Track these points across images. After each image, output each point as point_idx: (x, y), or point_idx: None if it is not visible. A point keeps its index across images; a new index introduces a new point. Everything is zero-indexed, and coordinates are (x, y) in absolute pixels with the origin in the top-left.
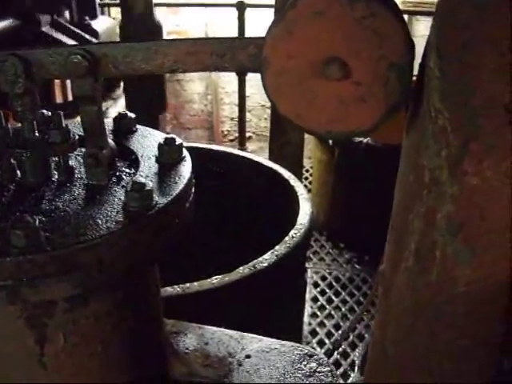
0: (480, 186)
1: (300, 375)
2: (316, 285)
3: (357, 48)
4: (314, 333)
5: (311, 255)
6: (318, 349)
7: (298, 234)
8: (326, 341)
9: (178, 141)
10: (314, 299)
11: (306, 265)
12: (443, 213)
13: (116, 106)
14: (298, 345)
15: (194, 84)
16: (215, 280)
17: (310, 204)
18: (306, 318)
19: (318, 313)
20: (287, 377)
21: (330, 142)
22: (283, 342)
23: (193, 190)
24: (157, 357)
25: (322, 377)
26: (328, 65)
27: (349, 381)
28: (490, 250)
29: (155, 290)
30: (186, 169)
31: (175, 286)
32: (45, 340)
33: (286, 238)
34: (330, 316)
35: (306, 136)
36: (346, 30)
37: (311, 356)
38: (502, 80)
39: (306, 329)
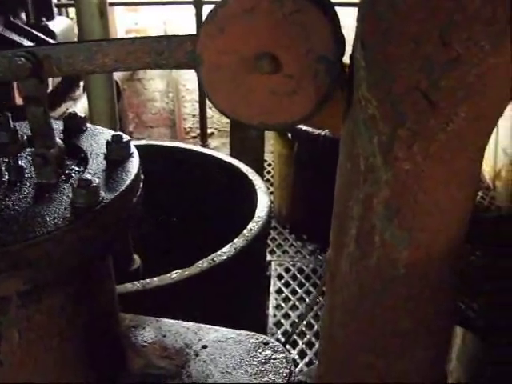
0: (412, 171)
1: (255, 362)
2: (280, 277)
3: (286, 42)
4: (279, 324)
5: (275, 248)
6: (283, 339)
7: (256, 227)
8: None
9: (126, 138)
10: (279, 291)
11: (270, 258)
12: (379, 198)
13: (76, 107)
14: (254, 333)
15: (155, 82)
16: (175, 275)
17: (268, 197)
18: (270, 310)
19: (283, 304)
20: (243, 364)
21: (289, 135)
22: (239, 332)
23: (141, 186)
24: (114, 350)
25: (277, 363)
26: (259, 59)
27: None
28: (425, 232)
29: (109, 285)
30: (133, 165)
31: (135, 282)
32: (0, 337)
33: (245, 231)
34: (294, 307)
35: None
36: (275, 26)
37: (266, 344)
38: (418, 68)
39: (271, 320)
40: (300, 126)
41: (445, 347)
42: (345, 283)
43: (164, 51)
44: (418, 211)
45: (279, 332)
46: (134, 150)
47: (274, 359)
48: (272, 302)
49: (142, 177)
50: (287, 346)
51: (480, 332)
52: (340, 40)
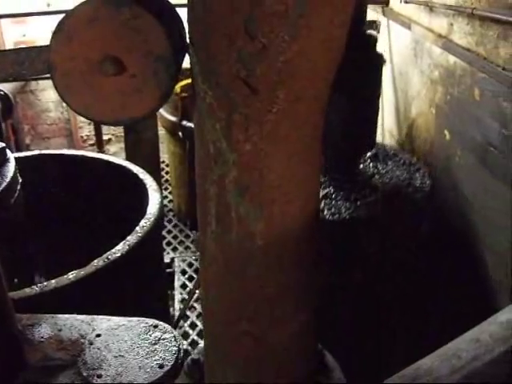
0: (253, 151)
1: (146, 344)
2: (184, 272)
3: (127, 46)
4: (185, 317)
5: (177, 245)
6: (191, 331)
7: (148, 223)
8: (198, 323)
9: (0, 145)
10: (183, 286)
11: (173, 254)
12: (230, 178)
13: None
14: (144, 319)
15: (48, 92)
16: (71, 275)
17: (159, 194)
18: (176, 305)
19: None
20: (135, 347)
21: (181, 134)
22: (130, 319)
23: (18, 187)
24: (11, 348)
25: (167, 343)
26: (104, 63)
27: None
28: (276, 204)
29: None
30: (9, 169)
31: (33, 286)
32: None
33: (137, 228)
34: (199, 300)
35: (160, 132)
36: (116, 32)
37: (156, 326)
38: (235, 60)
39: (177, 314)
40: (189, 125)
41: (317, 315)
42: (212, 259)
43: (25, 62)
44: (266, 186)
45: (186, 324)
46: (10, 155)
47: (164, 339)
48: (177, 297)
49: (20, 180)
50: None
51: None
52: (176, 41)
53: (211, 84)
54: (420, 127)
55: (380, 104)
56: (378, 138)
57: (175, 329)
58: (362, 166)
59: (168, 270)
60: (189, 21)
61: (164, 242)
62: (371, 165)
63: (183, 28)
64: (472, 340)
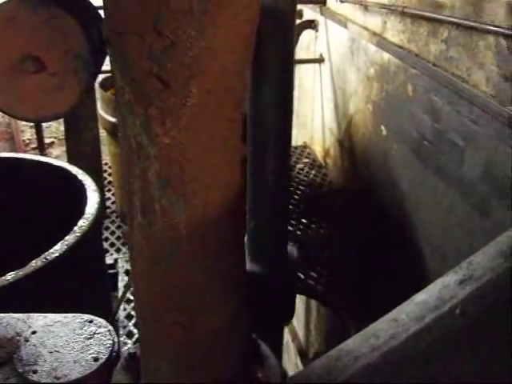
0: (172, 144)
1: (81, 339)
2: (127, 272)
3: (46, 45)
4: (129, 316)
5: (120, 246)
6: (136, 330)
7: (87, 223)
8: None
9: None
10: (128, 286)
11: (117, 255)
12: (152, 171)
13: None
14: (80, 314)
15: None
16: (10, 276)
17: (98, 194)
18: (121, 305)
19: (132, 297)
20: (70, 342)
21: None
22: (66, 315)
23: None
24: None
25: (101, 337)
26: (24, 61)
27: None
28: (197, 195)
29: None
30: None
31: None
32: None
33: (75, 228)
34: None
35: (101, 134)
36: (35, 31)
37: (91, 321)
38: (147, 56)
39: (122, 314)
40: None
41: (247, 303)
42: (140, 251)
43: None
44: (187, 178)
45: (130, 324)
46: None
47: (98, 333)
48: None
49: None
50: None
51: (321, 297)
52: (95, 39)
53: (127, 80)
54: (358, 123)
55: (320, 103)
56: (320, 136)
57: (113, 323)
58: None
59: (111, 271)
60: (104, 20)
61: (107, 244)
62: None
63: (103, 27)
64: (390, 320)
